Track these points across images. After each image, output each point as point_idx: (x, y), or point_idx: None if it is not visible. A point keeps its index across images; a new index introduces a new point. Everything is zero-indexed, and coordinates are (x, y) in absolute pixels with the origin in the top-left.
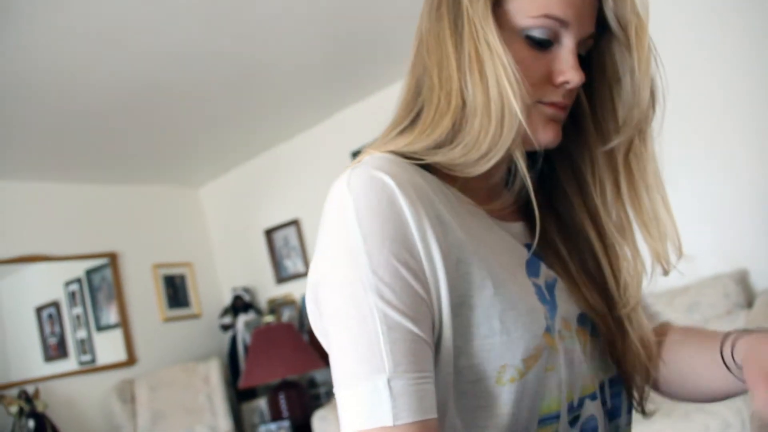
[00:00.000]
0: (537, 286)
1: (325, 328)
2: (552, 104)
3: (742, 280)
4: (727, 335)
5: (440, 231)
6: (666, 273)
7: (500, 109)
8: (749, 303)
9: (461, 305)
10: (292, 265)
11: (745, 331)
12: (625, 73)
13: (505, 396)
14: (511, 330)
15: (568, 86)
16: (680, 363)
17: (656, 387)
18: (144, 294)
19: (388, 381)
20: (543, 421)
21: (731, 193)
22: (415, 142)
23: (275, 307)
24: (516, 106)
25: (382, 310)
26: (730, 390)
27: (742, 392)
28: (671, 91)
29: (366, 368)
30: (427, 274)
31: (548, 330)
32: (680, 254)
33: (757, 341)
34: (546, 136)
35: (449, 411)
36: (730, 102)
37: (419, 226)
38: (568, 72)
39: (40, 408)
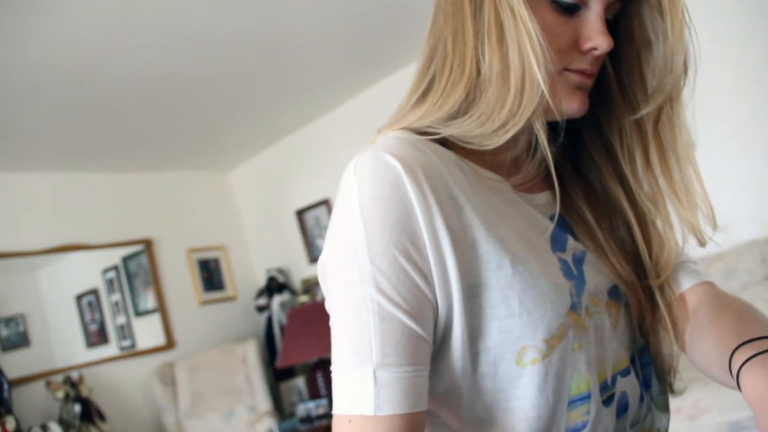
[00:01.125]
0: (563, 261)
1: (328, 310)
2: (579, 71)
3: None
4: (740, 346)
5: (452, 211)
6: (701, 245)
7: (521, 78)
8: None
9: (477, 287)
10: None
11: (759, 354)
12: (656, 38)
13: (526, 378)
14: (532, 310)
15: (596, 52)
16: (698, 351)
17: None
18: (180, 278)
19: (374, 372)
20: (573, 402)
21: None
22: (427, 115)
23: (309, 286)
24: (539, 75)
25: (377, 301)
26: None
27: None
28: (703, 57)
29: (356, 357)
30: (432, 261)
31: (573, 307)
32: (714, 226)
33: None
34: (571, 106)
35: (465, 394)
36: None
37: (425, 211)
38: (596, 37)
39: (84, 393)
